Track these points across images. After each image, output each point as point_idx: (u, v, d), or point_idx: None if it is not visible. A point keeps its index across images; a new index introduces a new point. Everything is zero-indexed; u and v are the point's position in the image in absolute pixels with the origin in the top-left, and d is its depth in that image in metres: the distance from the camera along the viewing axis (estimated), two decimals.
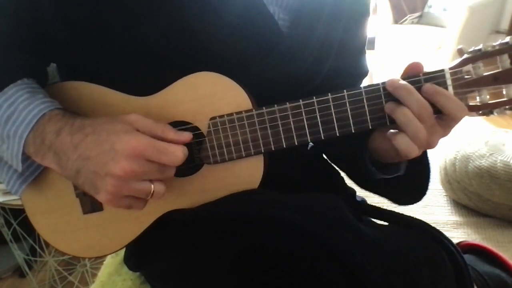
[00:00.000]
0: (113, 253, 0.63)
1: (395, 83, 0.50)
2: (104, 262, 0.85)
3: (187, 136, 0.51)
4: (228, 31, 0.55)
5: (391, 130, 0.53)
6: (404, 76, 0.52)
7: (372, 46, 3.50)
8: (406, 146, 0.50)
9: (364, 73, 0.72)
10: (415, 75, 0.52)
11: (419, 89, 0.50)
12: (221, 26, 0.54)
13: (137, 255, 0.67)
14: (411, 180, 0.61)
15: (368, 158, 0.60)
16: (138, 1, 0.52)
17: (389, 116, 0.52)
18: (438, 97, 0.49)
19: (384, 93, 0.52)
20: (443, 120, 0.50)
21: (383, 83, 0.52)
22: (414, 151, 0.50)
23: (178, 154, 0.48)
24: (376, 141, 0.57)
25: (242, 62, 0.56)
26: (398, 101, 0.50)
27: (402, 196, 0.65)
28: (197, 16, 0.53)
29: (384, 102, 0.52)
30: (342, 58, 0.65)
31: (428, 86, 0.50)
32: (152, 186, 0.48)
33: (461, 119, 0.50)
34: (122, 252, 0.76)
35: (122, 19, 0.53)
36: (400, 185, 0.62)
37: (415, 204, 0.66)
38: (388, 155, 0.56)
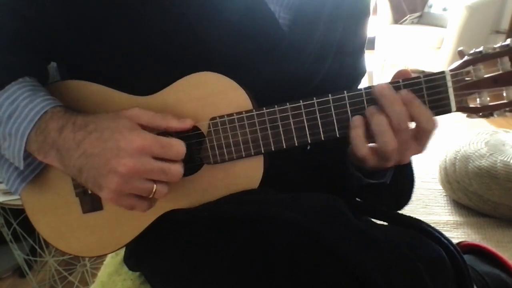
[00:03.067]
0: (113, 252, 0.63)
1: (383, 89, 0.50)
2: (104, 262, 0.85)
3: (189, 121, 0.52)
4: (228, 30, 0.55)
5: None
6: (404, 78, 0.52)
7: (372, 46, 3.50)
8: (356, 142, 0.51)
9: (361, 73, 0.72)
10: (415, 77, 0.52)
11: (420, 90, 0.51)
12: (222, 25, 0.54)
13: (137, 254, 0.67)
14: (393, 189, 0.61)
15: (351, 164, 0.60)
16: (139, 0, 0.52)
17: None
18: (412, 107, 0.49)
19: None
20: (416, 132, 0.51)
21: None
22: (362, 150, 0.51)
23: (182, 148, 0.49)
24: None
25: (243, 61, 0.56)
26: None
27: (384, 204, 0.65)
28: (198, 15, 0.53)
29: None
30: (341, 57, 0.65)
31: (405, 94, 0.50)
32: (155, 185, 0.48)
33: (431, 131, 0.50)
34: (122, 252, 0.76)
35: (122, 18, 0.53)
36: (382, 193, 0.62)
37: (415, 204, 0.66)
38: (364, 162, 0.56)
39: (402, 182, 0.61)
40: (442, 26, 3.24)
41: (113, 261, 0.83)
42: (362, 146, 0.52)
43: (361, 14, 0.67)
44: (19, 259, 1.49)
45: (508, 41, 0.50)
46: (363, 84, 0.67)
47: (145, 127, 0.49)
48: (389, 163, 0.52)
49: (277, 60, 0.58)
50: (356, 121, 0.52)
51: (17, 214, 1.35)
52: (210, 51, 0.55)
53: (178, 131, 0.51)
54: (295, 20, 0.59)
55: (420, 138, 0.51)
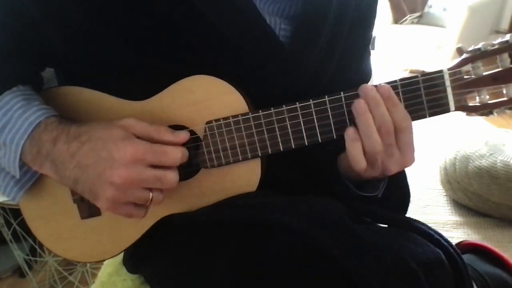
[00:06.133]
0: (111, 257, 0.63)
1: (367, 90, 0.50)
2: (104, 262, 0.85)
3: (184, 136, 0.51)
4: (225, 44, 0.54)
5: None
6: (402, 78, 0.51)
7: (372, 46, 3.48)
8: (355, 155, 0.50)
9: (367, 76, 0.71)
10: (413, 76, 0.51)
11: (418, 90, 0.50)
12: (218, 39, 0.54)
13: (135, 258, 0.67)
14: (385, 203, 0.60)
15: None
16: (132, 11, 0.52)
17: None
18: (388, 103, 0.49)
19: None
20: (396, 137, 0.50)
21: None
22: (360, 163, 0.50)
23: (176, 154, 0.49)
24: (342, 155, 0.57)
25: (241, 74, 0.56)
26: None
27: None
28: (193, 29, 0.53)
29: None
30: (345, 61, 0.64)
31: (384, 89, 0.49)
32: (151, 194, 0.48)
33: (406, 130, 0.50)
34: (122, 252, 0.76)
35: (116, 28, 0.53)
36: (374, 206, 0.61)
37: (415, 204, 0.65)
38: (350, 170, 0.56)
39: (395, 197, 0.61)
40: (442, 26, 3.24)
41: (113, 261, 0.83)
42: (361, 160, 0.51)
43: (367, 16, 0.65)
44: (19, 259, 1.49)
45: (507, 37, 0.49)
46: None
47: (139, 137, 0.49)
48: (375, 170, 0.52)
49: (277, 72, 0.57)
50: (353, 134, 0.50)
51: (17, 214, 1.35)
52: (207, 65, 0.54)
53: (172, 144, 0.50)
54: (297, 31, 0.58)
55: (401, 142, 0.50)
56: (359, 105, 0.50)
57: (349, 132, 0.51)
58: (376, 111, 0.49)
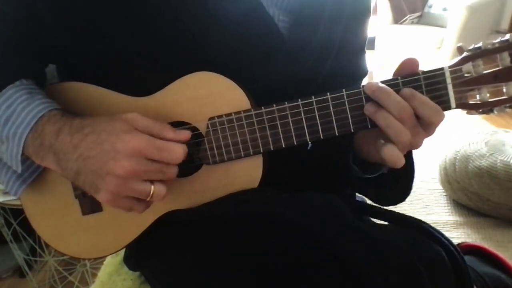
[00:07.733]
0: (113, 254, 0.63)
1: (373, 86, 0.50)
2: (104, 262, 0.85)
3: (185, 134, 0.51)
4: (226, 35, 0.55)
5: (381, 141, 0.51)
6: (403, 75, 0.52)
7: (372, 46, 3.49)
8: (393, 157, 0.49)
9: (363, 73, 0.72)
10: (414, 74, 0.51)
11: (419, 87, 0.51)
12: (220, 30, 0.54)
13: (137, 254, 0.67)
14: (394, 180, 0.60)
15: (352, 157, 0.60)
16: (135, 3, 0.52)
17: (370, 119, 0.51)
18: (414, 102, 0.49)
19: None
20: (422, 123, 0.50)
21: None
22: (400, 160, 0.49)
23: (178, 151, 0.49)
24: (361, 141, 0.58)
25: (242, 65, 0.56)
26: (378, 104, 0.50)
27: (384, 196, 0.65)
28: (195, 19, 0.53)
29: None
30: (341, 58, 0.64)
31: (405, 91, 0.49)
32: (152, 187, 0.48)
33: (438, 123, 0.50)
34: (122, 252, 0.76)
35: (120, 22, 0.53)
36: (382, 185, 0.61)
37: (415, 204, 0.66)
38: (372, 156, 0.56)
39: (402, 173, 0.60)
40: (442, 26, 3.24)
41: (113, 261, 0.83)
42: (399, 159, 0.49)
43: (362, 14, 0.66)
44: (19, 259, 1.49)
45: (507, 36, 0.50)
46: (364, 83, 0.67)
47: (141, 132, 0.49)
48: (403, 151, 0.51)
49: (277, 64, 0.58)
50: (381, 142, 0.50)
51: (17, 214, 1.35)
52: (209, 56, 0.55)
53: (173, 141, 0.50)
54: (295, 23, 0.59)
55: (427, 129, 0.50)
56: (368, 107, 0.50)
57: (378, 143, 0.51)
58: (388, 101, 0.49)
